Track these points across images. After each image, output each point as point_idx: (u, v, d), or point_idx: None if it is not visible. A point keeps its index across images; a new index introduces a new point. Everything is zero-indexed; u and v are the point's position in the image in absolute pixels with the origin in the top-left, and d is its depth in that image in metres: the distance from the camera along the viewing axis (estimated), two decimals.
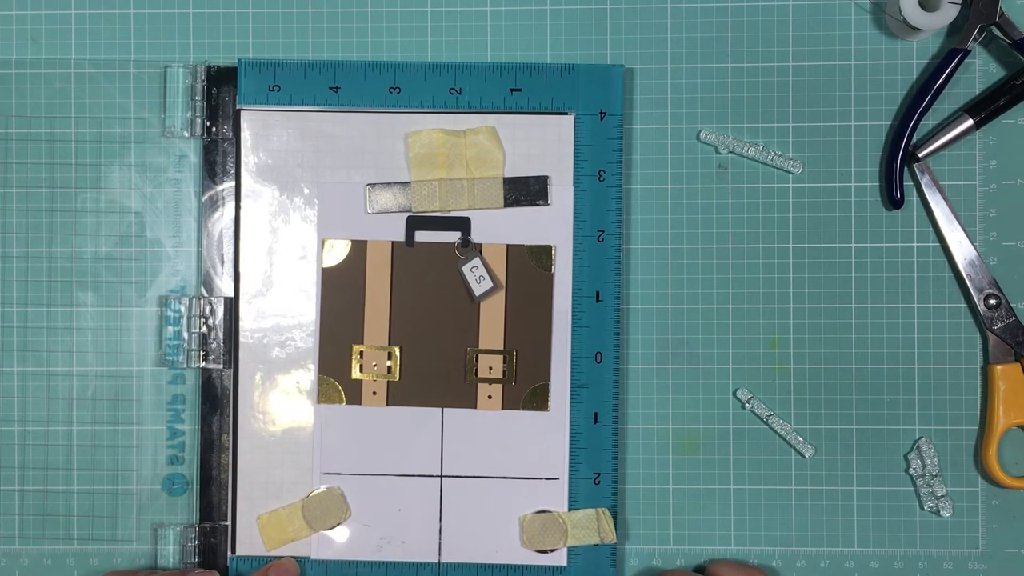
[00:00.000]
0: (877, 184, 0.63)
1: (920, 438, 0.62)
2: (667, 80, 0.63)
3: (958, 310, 0.63)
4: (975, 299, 0.62)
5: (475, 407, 0.62)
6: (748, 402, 0.62)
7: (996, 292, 0.62)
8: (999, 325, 0.62)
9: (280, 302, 0.62)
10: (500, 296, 0.62)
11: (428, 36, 0.63)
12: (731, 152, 0.63)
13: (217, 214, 0.62)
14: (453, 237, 0.62)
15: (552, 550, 0.62)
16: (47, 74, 0.63)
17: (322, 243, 0.62)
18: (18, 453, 0.63)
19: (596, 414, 0.62)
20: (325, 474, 0.62)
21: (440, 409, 0.62)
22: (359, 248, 0.62)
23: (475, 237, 0.62)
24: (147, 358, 0.63)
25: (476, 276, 0.62)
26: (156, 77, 0.63)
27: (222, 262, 0.62)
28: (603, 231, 0.62)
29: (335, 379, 0.62)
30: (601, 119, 0.62)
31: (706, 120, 0.63)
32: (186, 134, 0.62)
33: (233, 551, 0.62)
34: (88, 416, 0.63)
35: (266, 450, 0.62)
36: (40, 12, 0.63)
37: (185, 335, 0.62)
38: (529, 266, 0.62)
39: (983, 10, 0.61)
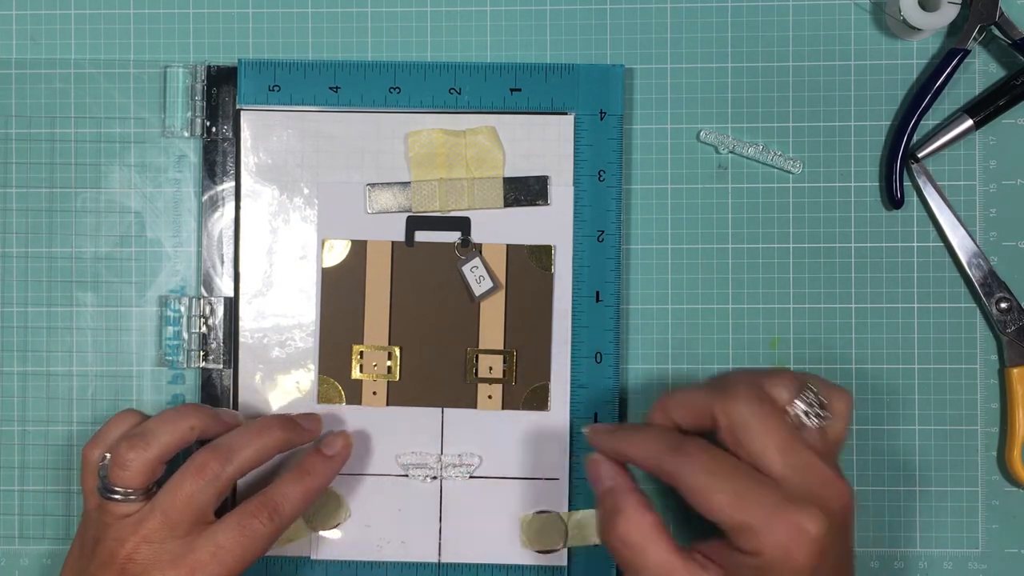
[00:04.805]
0: (877, 184, 0.63)
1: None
2: (667, 80, 0.63)
3: (958, 310, 0.63)
4: (986, 303, 0.62)
5: (475, 407, 0.62)
6: None
7: (1007, 295, 0.62)
8: (1013, 328, 0.62)
9: (280, 302, 0.62)
10: (500, 296, 0.62)
11: (428, 36, 0.63)
12: (731, 152, 0.63)
13: (217, 214, 0.62)
14: (453, 237, 0.62)
15: (552, 550, 0.62)
16: (47, 74, 0.63)
17: (322, 243, 0.62)
18: (18, 453, 0.63)
19: (596, 414, 0.62)
20: None
21: (440, 409, 0.62)
22: (359, 248, 0.62)
23: (475, 237, 0.62)
24: (147, 358, 0.63)
25: (476, 276, 0.62)
26: (156, 77, 0.63)
27: (222, 262, 0.62)
28: (603, 231, 0.62)
29: (335, 379, 0.62)
30: (601, 119, 0.62)
31: (706, 120, 0.63)
32: (186, 134, 0.62)
33: None
34: (88, 416, 0.63)
35: None
36: (40, 12, 0.63)
37: (185, 335, 0.62)
38: (529, 266, 0.62)
39: (983, 10, 0.61)
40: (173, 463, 0.57)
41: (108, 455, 0.56)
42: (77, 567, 0.56)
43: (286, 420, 0.59)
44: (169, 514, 0.54)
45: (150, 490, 0.56)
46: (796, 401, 0.51)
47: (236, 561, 0.54)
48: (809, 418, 0.51)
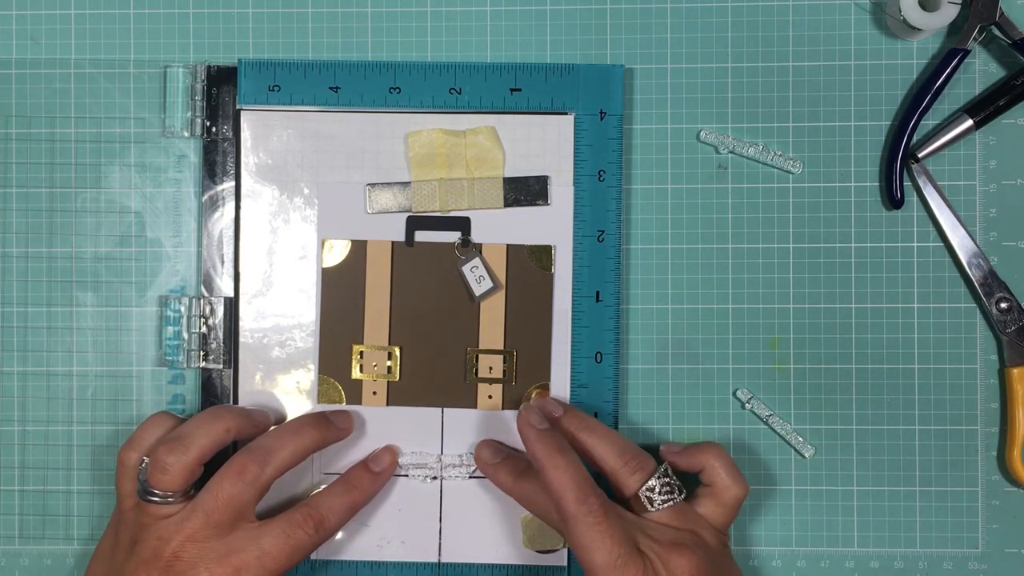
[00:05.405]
0: (877, 184, 0.63)
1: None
2: (667, 80, 0.63)
3: (958, 310, 0.63)
4: (986, 303, 0.62)
5: (475, 407, 0.62)
6: (748, 402, 0.62)
7: (1007, 295, 0.62)
8: (1012, 328, 0.62)
9: (280, 302, 0.62)
10: (500, 296, 0.62)
11: (428, 36, 0.63)
12: (731, 152, 0.63)
13: (217, 214, 0.62)
14: (453, 237, 0.62)
15: (552, 550, 0.62)
16: (47, 74, 0.63)
17: (322, 243, 0.62)
18: (18, 453, 0.63)
19: (596, 414, 0.62)
20: (325, 474, 0.62)
21: (440, 409, 0.62)
22: (359, 248, 0.62)
23: (475, 237, 0.62)
24: (147, 358, 0.63)
25: (476, 276, 0.62)
26: (156, 77, 0.63)
27: (222, 262, 0.62)
28: (603, 231, 0.62)
29: (335, 379, 0.62)
30: (601, 119, 0.62)
31: (706, 120, 0.63)
32: (186, 134, 0.62)
33: None
34: (88, 416, 0.63)
35: None
36: (40, 12, 0.63)
37: (185, 335, 0.62)
38: (529, 266, 0.62)
39: (983, 10, 0.61)
40: (209, 463, 0.57)
41: (146, 459, 0.56)
42: (109, 565, 0.57)
43: (320, 420, 0.60)
44: (211, 515, 0.55)
45: (188, 492, 0.56)
46: (645, 484, 0.56)
47: (279, 567, 0.55)
48: (655, 498, 0.56)
